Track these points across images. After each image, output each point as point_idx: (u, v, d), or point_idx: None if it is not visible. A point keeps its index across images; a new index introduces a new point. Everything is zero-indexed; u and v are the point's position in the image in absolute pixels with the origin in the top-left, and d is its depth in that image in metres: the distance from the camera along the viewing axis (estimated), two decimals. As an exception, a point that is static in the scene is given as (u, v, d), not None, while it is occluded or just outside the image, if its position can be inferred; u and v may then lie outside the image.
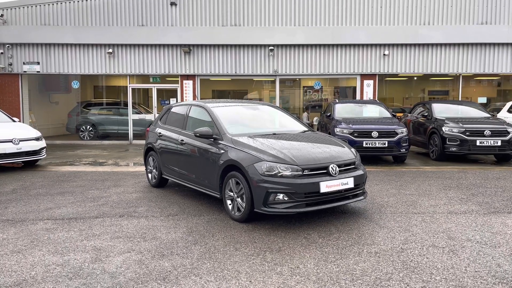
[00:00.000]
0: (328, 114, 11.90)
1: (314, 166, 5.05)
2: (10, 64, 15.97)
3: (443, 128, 10.60)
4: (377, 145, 9.99)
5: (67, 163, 10.73)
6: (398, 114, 13.64)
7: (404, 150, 10.19)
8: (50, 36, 15.68)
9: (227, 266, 3.91)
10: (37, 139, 9.83)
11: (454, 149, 10.38)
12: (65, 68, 15.93)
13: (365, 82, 15.86)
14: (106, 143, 16.21)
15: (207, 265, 3.92)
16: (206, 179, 5.88)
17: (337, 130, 10.37)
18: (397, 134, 10.10)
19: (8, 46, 15.86)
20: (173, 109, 7.27)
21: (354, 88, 16.30)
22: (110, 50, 15.65)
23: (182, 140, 6.43)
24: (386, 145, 10.00)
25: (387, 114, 11.57)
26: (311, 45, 15.56)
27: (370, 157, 10.93)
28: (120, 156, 12.08)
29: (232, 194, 5.38)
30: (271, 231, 4.92)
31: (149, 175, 7.63)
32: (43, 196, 6.85)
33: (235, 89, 23.00)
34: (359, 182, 5.40)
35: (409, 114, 13.48)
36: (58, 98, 19.75)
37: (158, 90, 16.39)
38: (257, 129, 6.08)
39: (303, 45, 15.57)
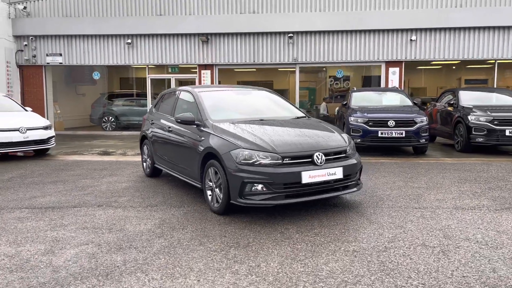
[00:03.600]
0: (344, 103, 11.29)
1: (296, 154, 4.58)
2: (34, 56, 16.26)
3: (469, 117, 9.76)
4: (393, 135, 9.31)
5: (77, 152, 10.71)
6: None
7: (424, 140, 9.45)
8: (71, 27, 15.81)
9: (182, 262, 3.54)
10: (45, 128, 9.83)
11: (480, 139, 9.53)
12: (86, 59, 16.05)
13: (390, 69, 15.01)
14: (125, 133, 16.25)
15: (161, 261, 3.57)
16: (190, 168, 5.53)
17: (351, 119, 9.76)
18: (416, 123, 9.37)
19: (31, 38, 16.15)
20: (165, 95, 6.97)
21: (379, 77, 15.48)
22: (129, 41, 15.60)
23: (170, 127, 6.11)
24: (404, 135, 9.30)
25: (408, 102, 10.82)
26: (333, 32, 14.87)
27: (388, 148, 10.25)
28: (132, 146, 11.98)
29: (211, 184, 5.01)
30: (248, 225, 4.51)
31: (144, 164, 7.39)
32: (35, 185, 6.74)
33: (260, 80, 22.57)
34: (350, 172, 4.88)
35: (436, 103, 12.59)
36: (85, 89, 20.04)
37: (177, 81, 16.21)
38: (244, 115, 5.66)
39: (324, 32, 14.91)
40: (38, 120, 9.98)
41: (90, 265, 3.51)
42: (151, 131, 6.85)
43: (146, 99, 16.59)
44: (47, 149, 10.27)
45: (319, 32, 14.89)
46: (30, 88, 16.56)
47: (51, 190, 6.33)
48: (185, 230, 4.39)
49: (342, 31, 14.82)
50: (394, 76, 15.02)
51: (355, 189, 5.04)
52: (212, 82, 15.58)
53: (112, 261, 3.58)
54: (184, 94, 6.24)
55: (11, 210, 5.29)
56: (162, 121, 6.49)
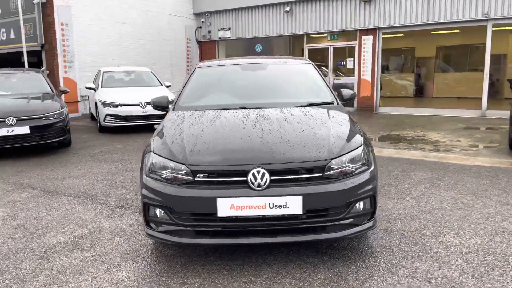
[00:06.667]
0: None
1: (219, 169, 2.84)
2: (209, 32, 17.11)
3: None
4: None
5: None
6: None
7: None
8: (237, 0, 15.84)
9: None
10: (165, 103, 9.96)
11: None
12: (249, 32, 15.89)
13: None
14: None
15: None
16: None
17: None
18: None
19: (207, 15, 16.97)
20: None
21: None
22: (288, 9, 14.58)
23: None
24: None
25: None
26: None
27: None
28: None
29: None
30: (157, 262, 3.11)
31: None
32: (99, 162, 6.70)
33: (467, 43, 18.12)
34: (326, 205, 2.79)
35: None
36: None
37: (335, 49, 14.35)
38: (230, 99, 4.04)
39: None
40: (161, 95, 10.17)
41: None
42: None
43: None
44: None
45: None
46: (206, 62, 17.59)
47: (91, 171, 6.13)
48: (81, 254, 3.32)
49: None
50: None
51: (349, 232, 2.89)
52: (374, 50, 13.14)
53: None
54: (196, 70, 4.97)
55: (25, 188, 5.29)
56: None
